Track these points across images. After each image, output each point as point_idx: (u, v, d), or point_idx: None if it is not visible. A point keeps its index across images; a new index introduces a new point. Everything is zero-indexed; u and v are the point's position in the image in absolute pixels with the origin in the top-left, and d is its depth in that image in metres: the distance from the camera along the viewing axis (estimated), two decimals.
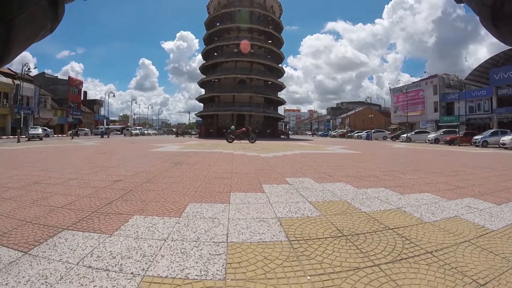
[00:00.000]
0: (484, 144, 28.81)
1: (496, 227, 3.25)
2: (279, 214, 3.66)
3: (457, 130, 35.24)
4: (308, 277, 2.09)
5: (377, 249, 2.60)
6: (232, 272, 2.15)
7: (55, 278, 1.97)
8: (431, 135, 38.14)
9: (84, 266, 2.18)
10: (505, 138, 25.94)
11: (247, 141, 25.81)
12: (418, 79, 62.64)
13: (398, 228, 3.18)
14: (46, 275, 2.02)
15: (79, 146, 19.38)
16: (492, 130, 32.04)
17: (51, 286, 1.87)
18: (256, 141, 26.34)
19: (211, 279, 2.04)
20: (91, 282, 1.94)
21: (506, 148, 24.56)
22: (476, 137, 30.80)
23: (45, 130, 36.60)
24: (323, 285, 1.98)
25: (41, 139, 30.79)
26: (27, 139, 30.20)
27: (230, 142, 25.52)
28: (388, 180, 6.40)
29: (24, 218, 3.28)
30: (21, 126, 31.81)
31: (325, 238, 2.87)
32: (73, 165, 8.28)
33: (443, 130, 39.48)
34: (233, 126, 27.17)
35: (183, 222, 3.25)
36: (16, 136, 26.65)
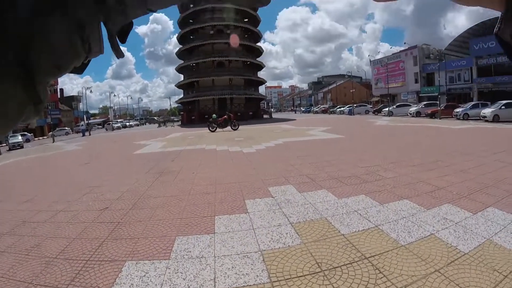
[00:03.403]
0: (465, 117, 29.67)
1: (468, 249, 3.52)
2: (262, 245, 3.92)
3: (438, 102, 35.96)
4: None
5: (352, 287, 2.90)
6: None
7: None
8: (413, 109, 39.00)
9: None
10: (486, 111, 26.79)
11: (230, 128, 26.00)
12: (398, 49, 63.17)
13: (373, 256, 3.46)
14: None
15: (61, 153, 19.24)
16: (472, 103, 32.81)
17: None
18: (239, 127, 26.54)
19: None
20: None
21: (486, 121, 25.39)
22: (457, 110, 31.63)
23: (24, 135, 35.98)
24: None
25: (22, 147, 30.52)
26: (8, 148, 29.76)
27: (213, 131, 25.67)
28: (369, 182, 6.70)
29: (24, 278, 3.44)
30: None
31: (305, 276, 3.15)
32: (57, 188, 8.36)
33: (424, 103, 40.36)
34: (214, 115, 27.33)
35: (173, 267, 3.49)
36: None
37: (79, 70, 0.47)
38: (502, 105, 26.62)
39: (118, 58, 0.49)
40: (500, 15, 0.36)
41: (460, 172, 7.25)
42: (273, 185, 6.91)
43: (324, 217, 4.77)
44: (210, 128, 26.19)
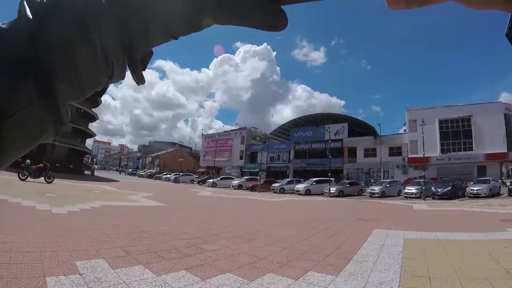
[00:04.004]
0: (281, 190, 35.31)
1: None
2: None
3: (258, 177, 40.75)
4: None
5: None
6: None
7: None
8: (235, 182, 43.31)
9: None
10: (299, 186, 33.37)
11: (44, 180, 23.28)
12: (229, 128, 71.79)
13: None
14: None
15: None
16: (288, 179, 40.21)
17: None
18: (55, 180, 24.03)
19: None
20: None
21: (300, 194, 31.19)
22: (275, 184, 37.28)
23: None
24: None
25: None
26: None
27: (23, 179, 22.46)
28: (190, 256, 6.55)
29: None
30: None
31: None
32: None
33: (246, 177, 45.77)
34: (28, 161, 23.96)
35: None
36: None
37: (99, 94, 0.49)
38: (314, 182, 33.65)
39: (138, 84, 0.51)
40: (510, 15, 0.37)
41: (278, 241, 7.95)
42: (81, 258, 6.25)
43: None
44: (21, 175, 22.79)
